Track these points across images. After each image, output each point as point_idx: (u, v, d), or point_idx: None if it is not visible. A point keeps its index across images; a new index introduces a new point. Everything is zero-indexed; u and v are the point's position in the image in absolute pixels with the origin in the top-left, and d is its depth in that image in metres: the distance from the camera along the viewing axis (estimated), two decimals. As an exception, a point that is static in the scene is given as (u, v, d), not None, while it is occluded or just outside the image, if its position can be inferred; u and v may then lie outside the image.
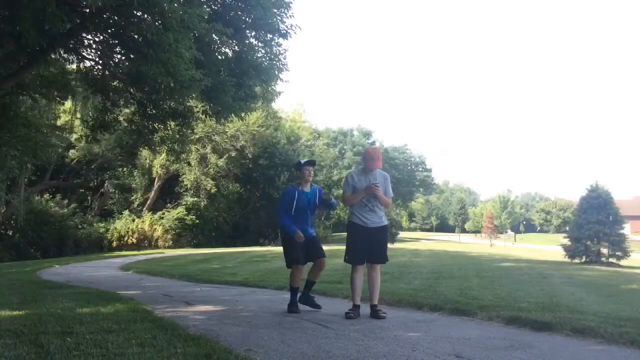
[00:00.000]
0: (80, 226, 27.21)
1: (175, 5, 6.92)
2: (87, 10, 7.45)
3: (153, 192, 31.37)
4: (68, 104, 19.97)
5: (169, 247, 27.88)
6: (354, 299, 5.06)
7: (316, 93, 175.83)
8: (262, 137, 32.46)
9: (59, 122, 22.36)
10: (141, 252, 24.33)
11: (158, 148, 12.39)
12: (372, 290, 5.07)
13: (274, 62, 9.95)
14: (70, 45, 9.42)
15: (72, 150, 28.44)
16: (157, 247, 28.08)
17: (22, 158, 13.45)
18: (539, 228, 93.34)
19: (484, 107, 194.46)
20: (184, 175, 30.55)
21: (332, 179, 45.08)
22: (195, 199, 30.63)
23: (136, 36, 7.64)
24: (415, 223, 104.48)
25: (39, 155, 13.82)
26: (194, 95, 9.17)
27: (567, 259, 17.94)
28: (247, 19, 9.20)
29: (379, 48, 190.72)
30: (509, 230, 71.16)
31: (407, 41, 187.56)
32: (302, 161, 5.55)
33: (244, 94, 9.85)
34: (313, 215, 5.49)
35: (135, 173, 30.99)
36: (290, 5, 9.46)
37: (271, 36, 9.66)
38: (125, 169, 30.24)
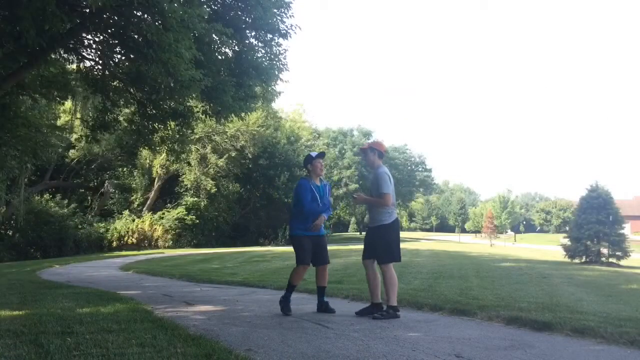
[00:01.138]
0: (80, 226, 27.21)
1: (175, 5, 6.92)
2: (87, 10, 7.46)
3: (153, 192, 31.38)
4: (68, 104, 20.00)
5: (169, 247, 27.89)
6: (371, 297, 5.15)
7: (316, 93, 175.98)
8: (262, 137, 32.46)
9: (59, 122, 22.38)
10: (141, 252, 24.34)
11: (158, 148, 12.38)
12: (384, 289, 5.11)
13: (274, 62, 9.95)
14: (70, 45, 9.42)
15: (72, 150, 28.46)
16: (157, 247, 28.08)
17: (22, 158, 13.46)
18: (539, 228, 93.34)
19: (484, 107, 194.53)
20: (184, 175, 30.56)
21: (332, 179, 45.09)
22: (195, 199, 30.64)
23: (136, 36, 7.64)
24: (415, 223, 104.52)
25: (39, 155, 13.82)
26: (194, 95, 9.17)
27: (567, 259, 17.93)
28: (247, 19, 9.20)
29: (379, 48, 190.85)
30: (509, 230, 71.11)
31: (407, 41, 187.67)
32: (313, 154, 5.40)
33: (244, 94, 9.85)
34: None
35: (135, 173, 31.00)
36: (290, 5, 9.47)
37: (271, 36, 9.66)
38: (125, 169, 30.27)
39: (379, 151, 5.20)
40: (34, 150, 12.93)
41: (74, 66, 10.82)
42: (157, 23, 7.00)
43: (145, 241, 28.32)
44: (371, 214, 5.12)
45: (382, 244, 5.06)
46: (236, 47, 9.73)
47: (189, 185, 30.66)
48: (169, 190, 31.93)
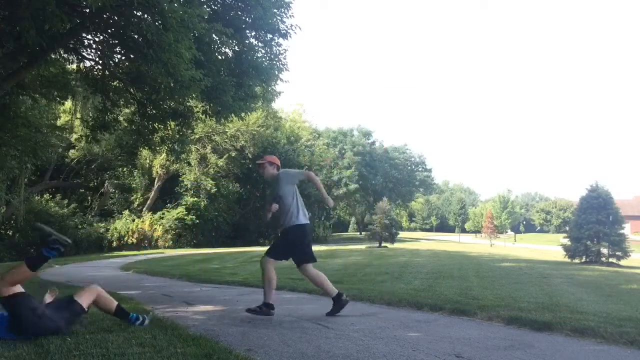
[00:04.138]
0: (80, 226, 27.23)
1: (175, 5, 6.92)
2: (87, 10, 7.46)
3: (153, 192, 31.38)
4: (68, 104, 20.01)
5: (169, 247, 27.90)
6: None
7: (316, 93, 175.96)
8: (262, 137, 32.48)
9: (59, 122, 22.39)
10: (141, 252, 24.35)
11: (158, 148, 12.38)
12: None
13: (274, 62, 9.96)
14: (70, 45, 9.43)
15: (72, 150, 28.48)
16: (157, 247, 28.09)
17: (22, 158, 13.47)
18: (538, 228, 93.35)
19: (484, 107, 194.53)
20: (184, 175, 30.57)
21: (332, 179, 45.08)
22: (195, 199, 30.65)
23: (136, 36, 7.64)
24: (415, 223, 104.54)
25: (39, 155, 13.83)
26: (194, 95, 9.16)
27: (567, 259, 17.93)
28: (247, 19, 9.20)
29: (379, 48, 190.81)
30: (509, 230, 71.15)
31: (407, 41, 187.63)
32: None
33: (244, 94, 9.86)
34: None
35: (135, 173, 31.01)
36: (290, 5, 9.48)
37: (271, 36, 9.67)
38: (125, 169, 30.27)
39: (277, 165, 5.25)
40: (34, 150, 12.94)
41: (74, 66, 10.83)
42: (157, 23, 7.00)
43: (145, 241, 28.33)
44: (287, 216, 4.98)
45: (304, 244, 5.02)
46: (236, 47, 9.73)
47: (189, 185, 30.67)
48: (169, 190, 31.93)
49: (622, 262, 17.52)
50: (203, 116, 10.65)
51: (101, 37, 9.20)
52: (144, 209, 30.65)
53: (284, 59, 10.06)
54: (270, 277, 4.91)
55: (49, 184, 30.11)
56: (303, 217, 5.04)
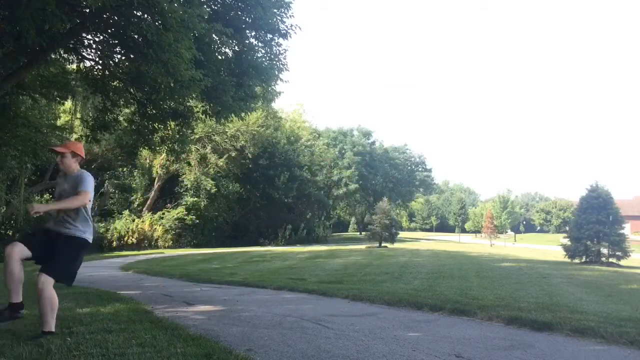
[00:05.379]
0: (80, 226, 27.18)
1: (175, 5, 6.93)
2: (87, 10, 7.46)
3: (153, 192, 31.38)
4: (68, 104, 20.01)
5: (169, 247, 27.90)
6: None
7: (316, 93, 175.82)
8: (262, 137, 32.48)
9: (59, 122, 22.35)
10: (141, 252, 24.36)
11: (158, 148, 12.38)
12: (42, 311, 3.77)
13: (274, 62, 9.97)
14: (70, 45, 9.44)
15: (72, 150, 28.47)
16: (157, 247, 28.09)
17: (22, 158, 13.46)
18: (539, 228, 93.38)
19: (484, 107, 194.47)
20: (184, 175, 30.57)
21: (332, 179, 45.09)
22: (195, 199, 30.64)
23: (136, 36, 7.64)
24: (415, 223, 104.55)
25: (39, 155, 13.81)
26: (194, 95, 9.17)
27: (567, 259, 17.94)
28: (247, 19, 9.22)
29: (379, 48, 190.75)
30: (509, 230, 71.14)
31: (407, 41, 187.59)
32: None
33: (244, 94, 9.87)
34: None
35: (135, 173, 31.01)
36: (290, 5, 9.50)
37: (271, 36, 9.68)
38: (125, 169, 30.24)
39: (81, 157, 4.30)
40: (34, 150, 12.93)
41: (74, 66, 10.84)
42: (157, 23, 7.01)
43: (145, 241, 28.32)
44: (68, 222, 4.18)
45: (69, 259, 4.01)
46: (236, 47, 9.75)
47: (189, 185, 30.66)
48: (169, 190, 31.92)
49: (622, 262, 17.52)
50: (203, 116, 10.66)
51: (101, 37, 9.20)
52: (144, 209, 30.64)
53: (284, 59, 10.09)
54: (54, 301, 3.71)
55: (49, 184, 30.05)
56: (90, 233, 4.21)
